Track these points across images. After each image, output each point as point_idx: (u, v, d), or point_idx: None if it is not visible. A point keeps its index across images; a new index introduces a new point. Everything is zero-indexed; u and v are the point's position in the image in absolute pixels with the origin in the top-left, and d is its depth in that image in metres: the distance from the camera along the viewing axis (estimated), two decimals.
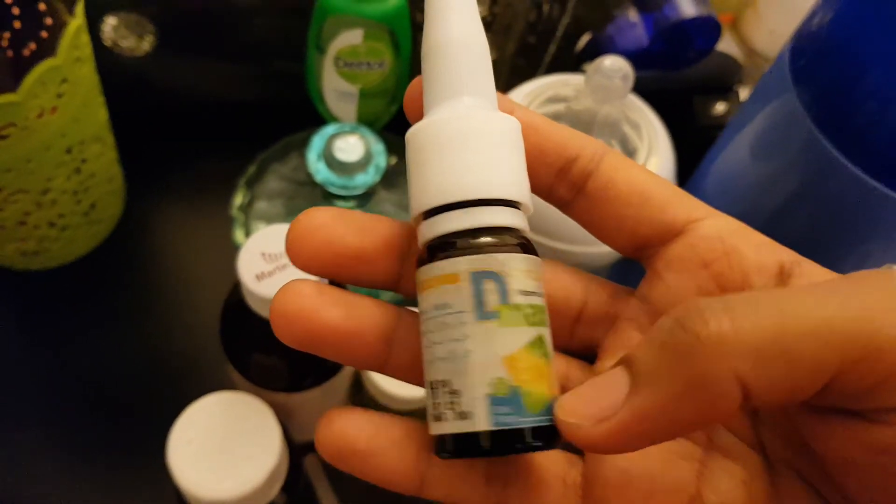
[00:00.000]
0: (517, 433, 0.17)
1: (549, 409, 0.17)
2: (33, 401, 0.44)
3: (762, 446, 0.19)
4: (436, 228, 0.18)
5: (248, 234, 0.46)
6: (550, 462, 0.19)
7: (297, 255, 0.19)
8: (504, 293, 0.17)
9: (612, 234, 0.20)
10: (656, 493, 0.19)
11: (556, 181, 0.20)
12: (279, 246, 0.33)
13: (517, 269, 0.17)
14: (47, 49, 0.36)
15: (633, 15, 0.48)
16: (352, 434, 0.19)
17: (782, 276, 0.18)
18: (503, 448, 0.17)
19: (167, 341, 0.46)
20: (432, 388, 0.18)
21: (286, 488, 0.36)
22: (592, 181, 0.20)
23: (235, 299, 0.36)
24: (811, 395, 0.15)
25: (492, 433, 0.17)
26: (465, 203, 0.18)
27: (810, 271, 0.18)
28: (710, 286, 0.19)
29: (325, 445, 0.19)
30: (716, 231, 0.19)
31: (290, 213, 0.46)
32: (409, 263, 0.19)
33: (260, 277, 0.33)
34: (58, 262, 0.47)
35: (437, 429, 0.18)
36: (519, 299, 0.17)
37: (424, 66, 0.19)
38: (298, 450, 0.38)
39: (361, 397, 0.43)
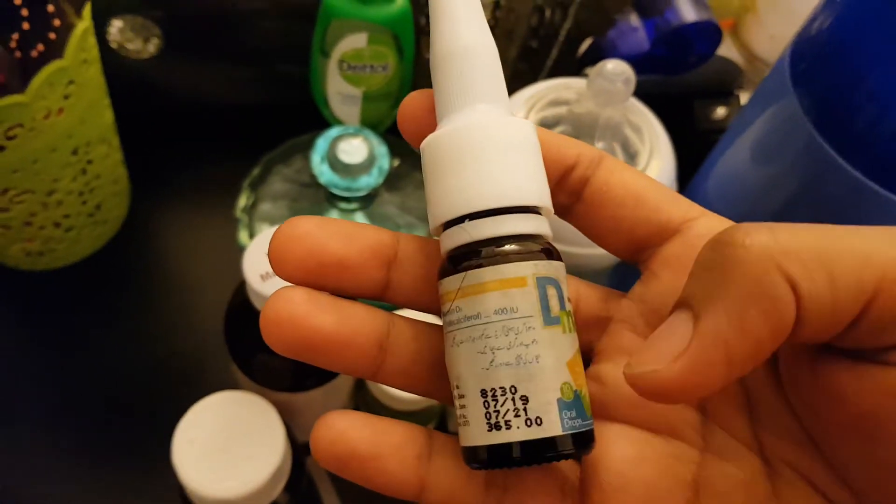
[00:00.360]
0: (586, 436, 0.17)
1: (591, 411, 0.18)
2: (39, 400, 0.44)
3: (760, 447, 0.19)
4: (464, 236, 0.18)
5: (252, 235, 0.46)
6: (548, 467, 0.19)
7: (281, 264, 0.18)
8: (561, 299, 0.18)
9: (609, 236, 0.20)
10: (654, 497, 0.19)
11: (556, 189, 0.20)
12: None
13: (564, 276, 0.18)
14: (55, 51, 0.36)
15: (634, 20, 0.48)
16: (352, 438, 0.19)
17: None
18: (581, 450, 0.17)
19: (172, 341, 0.46)
20: (491, 395, 0.17)
21: (289, 487, 0.36)
22: (589, 187, 0.20)
23: (240, 300, 0.37)
24: (850, 320, 0.15)
25: (564, 438, 0.17)
26: (500, 210, 0.18)
27: None
28: None
29: (323, 450, 0.19)
30: (710, 230, 0.19)
31: (293, 215, 0.47)
32: (396, 271, 0.19)
33: (265, 277, 0.33)
34: (63, 262, 0.48)
35: (497, 438, 0.17)
36: (569, 306, 0.18)
37: (435, 75, 0.19)
38: (302, 449, 0.38)
39: (364, 397, 0.43)
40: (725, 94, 0.51)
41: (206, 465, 0.33)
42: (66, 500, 0.41)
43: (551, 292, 0.18)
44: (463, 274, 0.18)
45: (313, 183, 0.44)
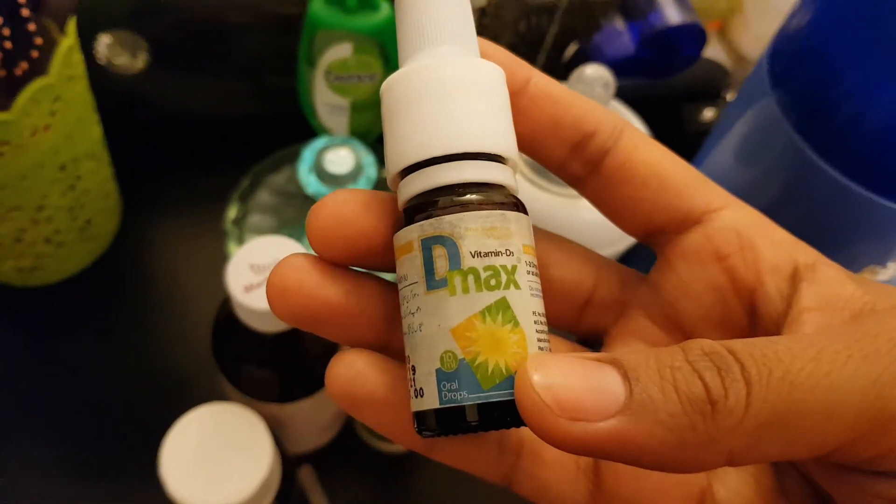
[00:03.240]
0: (463, 410, 0.15)
1: (510, 382, 0.15)
2: (28, 414, 0.45)
3: None
4: (403, 193, 0.17)
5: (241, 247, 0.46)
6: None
7: (322, 244, 0.17)
8: (454, 258, 0.16)
9: (625, 217, 0.19)
10: (667, 484, 0.18)
11: (571, 156, 0.19)
12: (267, 257, 0.33)
13: (471, 229, 0.16)
14: (39, 68, 0.36)
15: (619, 23, 0.48)
16: (369, 382, 0.18)
17: (795, 280, 0.18)
18: (453, 427, 0.16)
19: (163, 354, 0.47)
20: (406, 363, 0.17)
21: (279, 499, 0.36)
22: (609, 159, 0.19)
23: (227, 311, 0.37)
24: (806, 460, 0.15)
25: (438, 412, 0.16)
26: (432, 161, 0.16)
27: (824, 275, 0.18)
28: (721, 281, 0.19)
29: (339, 389, 0.18)
30: (733, 223, 0.19)
31: (282, 226, 0.47)
32: None
33: (248, 289, 0.33)
34: (55, 278, 0.48)
35: (412, 405, 0.17)
36: (473, 262, 0.16)
37: (398, 13, 0.17)
38: (292, 460, 0.38)
39: None
40: (713, 96, 0.51)
41: (193, 478, 0.33)
42: None
43: (438, 252, 0.16)
44: (394, 236, 0.17)
45: (301, 194, 0.44)
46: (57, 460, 0.43)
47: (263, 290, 0.33)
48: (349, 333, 0.18)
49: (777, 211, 0.34)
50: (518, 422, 0.15)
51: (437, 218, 0.16)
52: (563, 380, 0.14)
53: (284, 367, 0.37)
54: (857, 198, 0.30)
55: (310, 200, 0.44)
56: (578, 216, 0.38)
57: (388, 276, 0.19)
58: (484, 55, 0.18)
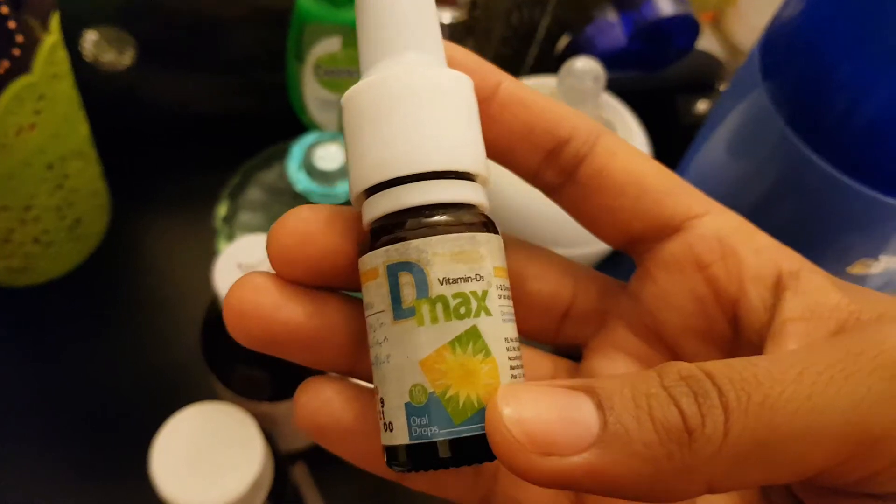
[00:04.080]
0: (435, 446, 0.15)
1: (482, 415, 0.15)
2: (18, 414, 0.44)
3: None
4: (368, 213, 0.16)
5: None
6: None
7: (281, 263, 0.17)
8: (422, 285, 0.15)
9: (602, 226, 0.19)
10: None
11: (544, 164, 0.18)
12: (255, 256, 0.33)
13: (438, 254, 0.15)
14: (21, 66, 0.36)
15: (611, 15, 0.48)
16: (336, 412, 0.17)
17: (778, 289, 0.17)
18: (424, 463, 0.15)
19: (154, 354, 0.46)
20: (374, 394, 0.16)
21: (272, 497, 0.36)
22: (584, 167, 0.18)
23: (217, 310, 0.36)
24: (787, 484, 0.14)
25: (408, 447, 0.15)
26: (397, 181, 0.15)
27: (808, 284, 0.17)
28: (703, 290, 0.18)
29: (304, 420, 0.17)
30: (715, 231, 0.18)
31: (271, 223, 0.46)
32: None
33: None
34: (44, 277, 0.48)
35: (382, 439, 0.16)
36: (441, 290, 0.15)
37: (358, 17, 0.16)
38: (284, 458, 0.38)
39: None
40: (706, 88, 0.51)
41: (184, 477, 0.33)
42: None
43: (405, 280, 0.15)
44: (359, 260, 0.16)
45: (290, 191, 0.44)
46: (47, 460, 0.43)
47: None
48: (314, 357, 0.17)
49: (769, 204, 0.34)
50: (491, 456, 0.15)
51: (404, 243, 0.15)
52: (533, 413, 0.14)
53: (275, 365, 0.37)
54: (848, 191, 0.30)
55: (300, 198, 0.44)
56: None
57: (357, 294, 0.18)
58: (451, 61, 0.17)
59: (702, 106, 0.50)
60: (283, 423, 0.39)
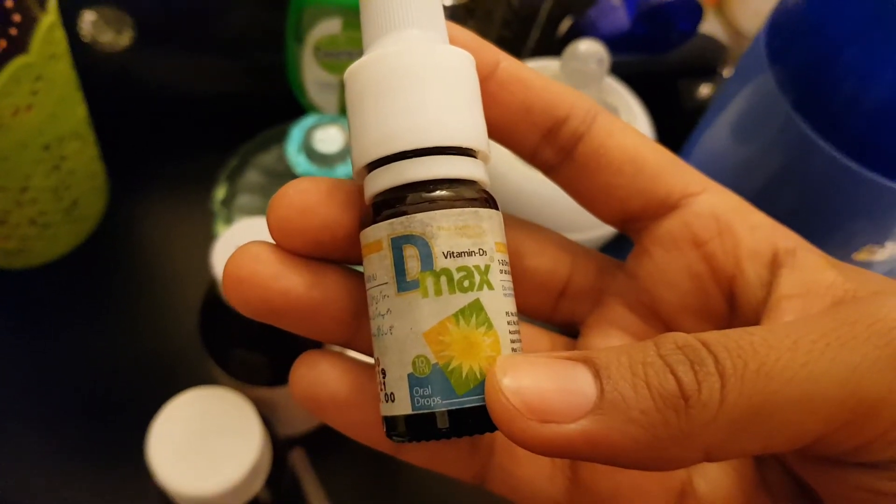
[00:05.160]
0: (435, 416, 0.15)
1: (483, 387, 0.15)
2: (15, 398, 0.44)
3: None
4: (371, 187, 0.16)
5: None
6: None
7: (282, 234, 0.17)
8: (426, 258, 0.15)
9: (599, 204, 0.19)
10: (645, 478, 0.18)
11: (543, 143, 0.19)
12: (255, 239, 0.33)
13: (443, 227, 0.15)
14: (18, 46, 0.35)
15: None
16: (331, 384, 0.17)
17: (775, 266, 0.18)
18: (425, 433, 0.15)
19: (151, 337, 0.46)
20: (375, 365, 0.16)
21: (270, 483, 0.36)
22: (582, 146, 0.18)
23: (215, 294, 0.36)
24: (786, 453, 0.15)
25: (410, 417, 0.15)
26: (401, 155, 0.16)
27: (804, 261, 0.17)
28: (700, 267, 0.18)
29: (300, 392, 0.17)
30: (711, 208, 0.18)
31: None
32: None
33: None
34: (41, 260, 0.47)
35: (381, 410, 0.16)
36: (446, 263, 0.15)
37: None
38: (282, 444, 0.38)
39: None
40: (709, 72, 0.50)
41: (181, 463, 0.32)
42: (39, 498, 0.41)
43: (409, 252, 0.15)
44: (361, 233, 0.16)
45: (290, 174, 0.44)
46: (44, 445, 0.43)
47: None
48: (313, 327, 0.17)
49: (774, 188, 0.34)
50: (493, 426, 0.15)
51: (408, 216, 0.15)
52: (532, 381, 0.14)
53: (273, 350, 0.37)
54: (855, 176, 0.29)
55: None
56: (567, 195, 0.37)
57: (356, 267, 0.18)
58: (451, 40, 0.17)
59: (705, 90, 0.50)
60: (282, 408, 0.38)
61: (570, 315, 0.20)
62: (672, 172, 0.18)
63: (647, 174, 0.18)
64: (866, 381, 0.14)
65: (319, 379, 0.17)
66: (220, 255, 0.32)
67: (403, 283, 0.15)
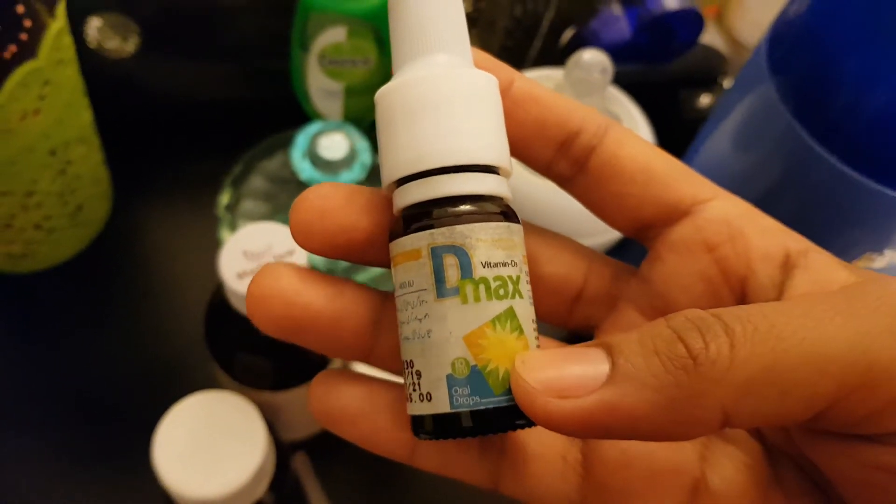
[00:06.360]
0: (477, 415, 0.16)
1: None
2: (19, 403, 0.44)
3: (761, 435, 0.19)
4: (404, 199, 0.17)
5: (234, 233, 0.46)
6: (549, 438, 0.19)
7: (305, 238, 0.18)
8: (466, 267, 0.16)
9: (613, 213, 0.19)
10: (658, 474, 0.18)
11: (557, 156, 0.19)
12: (261, 244, 0.33)
13: (481, 239, 0.16)
14: (28, 51, 0.36)
15: (616, 8, 0.48)
16: (344, 395, 0.18)
17: (787, 266, 0.18)
18: (464, 430, 0.16)
19: (155, 341, 0.46)
20: (405, 367, 0.17)
21: (274, 487, 0.36)
22: (595, 157, 0.19)
23: (220, 298, 0.36)
24: (801, 422, 0.15)
25: (448, 416, 0.16)
26: (433, 171, 0.17)
27: (816, 262, 0.18)
28: (712, 271, 0.19)
29: (316, 406, 0.18)
30: (722, 214, 0.19)
31: (276, 212, 0.46)
32: None
33: (242, 276, 0.33)
34: (45, 264, 0.47)
35: (409, 409, 0.17)
36: (484, 272, 0.16)
37: (392, 20, 0.18)
38: (286, 448, 0.38)
39: None
40: (709, 82, 0.51)
41: (187, 466, 0.33)
42: (43, 502, 0.41)
43: (449, 261, 0.16)
44: (391, 242, 0.17)
45: (294, 180, 0.44)
46: (49, 449, 0.43)
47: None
48: (333, 341, 0.18)
49: (775, 197, 0.34)
50: (528, 422, 0.16)
51: (449, 227, 0.16)
52: (549, 363, 0.15)
53: (278, 354, 0.37)
54: (855, 185, 0.30)
55: (303, 186, 0.44)
56: (575, 201, 0.38)
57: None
58: None
59: (705, 100, 0.50)
60: (286, 412, 0.39)
61: (585, 320, 0.20)
62: (683, 181, 0.19)
63: (658, 182, 0.19)
64: (877, 346, 0.14)
65: (338, 397, 0.18)
66: (227, 260, 0.33)
67: (443, 289, 0.16)
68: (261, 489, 0.35)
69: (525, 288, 0.17)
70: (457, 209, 0.17)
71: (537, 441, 0.19)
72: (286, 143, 0.48)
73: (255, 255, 0.33)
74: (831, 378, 0.14)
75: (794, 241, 0.18)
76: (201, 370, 0.41)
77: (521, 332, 0.16)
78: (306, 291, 0.18)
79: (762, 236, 0.18)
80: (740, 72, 0.37)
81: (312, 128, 0.44)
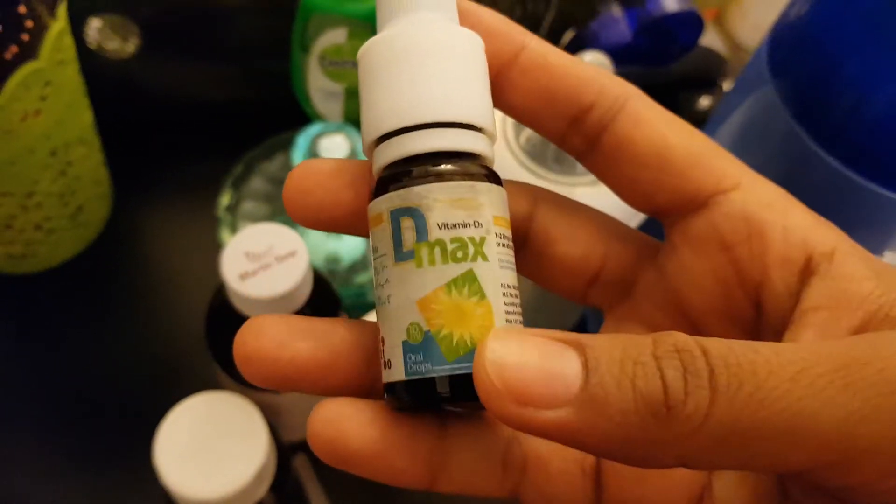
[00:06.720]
0: (427, 383, 0.15)
1: (473, 355, 0.15)
2: (20, 403, 0.44)
3: None
4: (378, 161, 0.17)
5: (234, 234, 0.46)
6: (570, 452, 0.18)
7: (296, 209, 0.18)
8: (422, 229, 0.16)
9: (627, 194, 0.18)
10: (670, 487, 0.18)
11: (569, 130, 0.18)
12: (262, 245, 0.33)
13: (438, 199, 0.16)
14: (29, 52, 0.36)
15: (616, 10, 0.48)
16: (354, 436, 0.16)
17: (806, 273, 0.17)
18: (418, 399, 0.16)
19: (155, 342, 0.46)
20: (380, 334, 0.17)
21: (275, 488, 0.36)
22: (607, 136, 0.18)
23: (221, 299, 0.36)
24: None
25: (405, 383, 0.16)
26: (399, 131, 0.16)
27: (839, 268, 0.16)
28: (727, 272, 0.18)
29: (321, 446, 0.17)
30: (742, 208, 0.17)
31: (276, 214, 0.47)
32: None
33: (244, 277, 0.33)
34: (45, 265, 0.47)
35: (382, 376, 0.17)
36: (440, 234, 0.16)
37: None
38: (287, 449, 0.38)
39: None
40: (709, 84, 0.51)
41: (188, 467, 0.33)
42: (45, 503, 0.41)
43: (406, 224, 0.16)
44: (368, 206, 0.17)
45: None
46: (50, 450, 0.43)
47: (258, 278, 0.33)
48: (329, 386, 0.18)
49: None
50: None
51: (406, 189, 0.16)
52: (516, 360, 0.14)
53: None
54: (855, 187, 0.30)
55: None
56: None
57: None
58: (478, 19, 0.17)
59: (704, 102, 0.50)
60: (287, 413, 0.39)
61: (599, 302, 0.20)
62: (703, 166, 0.17)
63: (674, 169, 0.17)
64: (861, 428, 0.13)
65: (349, 440, 0.17)
66: (229, 261, 0.33)
67: (400, 253, 0.16)
68: (262, 490, 0.35)
69: (493, 251, 0.16)
70: (420, 169, 0.16)
71: (560, 457, 0.18)
72: (286, 145, 0.48)
73: (256, 256, 0.33)
74: (806, 452, 0.13)
75: (820, 242, 0.17)
76: (202, 371, 0.41)
77: (483, 296, 0.15)
78: (290, 344, 0.17)
79: (783, 237, 0.17)
80: (740, 74, 0.37)
81: (313, 129, 0.44)
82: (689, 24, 0.46)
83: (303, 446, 0.43)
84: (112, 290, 0.48)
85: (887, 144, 0.28)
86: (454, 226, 0.16)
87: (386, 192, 0.16)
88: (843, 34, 0.29)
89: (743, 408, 0.13)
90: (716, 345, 0.14)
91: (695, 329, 0.19)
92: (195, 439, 0.33)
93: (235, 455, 0.33)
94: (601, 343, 0.14)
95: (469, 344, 0.15)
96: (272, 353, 0.17)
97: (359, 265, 0.45)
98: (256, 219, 0.46)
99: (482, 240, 0.16)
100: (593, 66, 0.18)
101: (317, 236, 0.46)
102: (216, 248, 0.46)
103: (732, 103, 0.36)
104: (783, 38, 0.32)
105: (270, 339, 0.17)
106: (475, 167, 0.16)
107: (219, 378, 0.39)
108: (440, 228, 0.16)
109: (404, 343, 0.16)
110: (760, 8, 0.54)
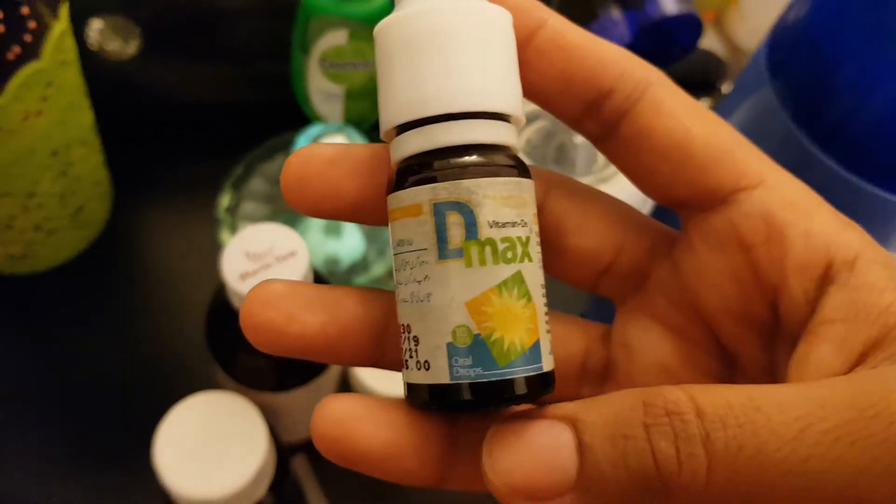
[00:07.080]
0: (479, 388, 0.15)
1: (524, 359, 0.15)
2: (20, 404, 0.44)
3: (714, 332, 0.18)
4: (403, 149, 0.16)
5: (234, 235, 0.46)
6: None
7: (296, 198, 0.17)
8: (471, 227, 0.15)
9: (644, 185, 0.18)
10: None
11: (585, 115, 0.17)
12: (263, 245, 0.33)
13: (489, 196, 0.15)
14: (31, 53, 0.36)
15: (615, 13, 0.48)
16: (365, 438, 0.16)
17: (825, 281, 0.16)
18: (464, 403, 0.15)
19: (155, 342, 0.46)
20: (401, 331, 0.16)
21: (274, 488, 0.36)
22: (626, 124, 0.17)
23: (221, 299, 0.36)
24: None
25: (448, 387, 0.15)
26: (435, 118, 0.15)
27: (860, 276, 0.16)
28: (745, 274, 0.17)
29: (328, 446, 0.16)
30: (763, 208, 0.16)
31: (276, 214, 0.47)
32: None
33: (244, 277, 0.33)
34: (45, 265, 0.48)
35: (405, 376, 0.16)
36: (490, 233, 0.15)
37: None
38: (286, 449, 0.38)
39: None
40: (708, 87, 0.51)
41: (188, 466, 0.33)
42: (44, 502, 0.41)
43: (453, 219, 0.15)
44: (389, 196, 0.16)
45: None
46: (50, 449, 0.43)
47: (259, 278, 0.33)
48: (336, 358, 0.17)
49: None
50: (533, 397, 0.15)
51: (454, 182, 0.15)
52: (515, 463, 0.14)
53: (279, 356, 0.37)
54: (854, 188, 0.30)
55: None
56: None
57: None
58: None
59: (704, 104, 0.51)
60: (286, 413, 0.39)
61: (610, 294, 0.19)
62: (725, 161, 0.17)
63: (695, 163, 0.17)
64: (868, 488, 0.13)
65: (357, 442, 0.16)
66: (229, 261, 0.33)
67: (445, 250, 0.15)
68: (261, 490, 0.35)
69: (535, 250, 0.15)
70: (462, 161, 0.15)
71: None
72: (287, 146, 0.48)
73: (257, 257, 0.33)
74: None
75: (843, 247, 0.16)
76: (202, 371, 0.41)
77: (530, 298, 0.15)
78: (298, 318, 0.16)
79: (804, 241, 0.16)
80: (739, 76, 0.37)
81: (313, 130, 0.44)
82: (689, 26, 0.46)
83: (302, 447, 0.43)
84: (112, 290, 0.48)
85: (886, 146, 0.29)
86: (504, 224, 0.15)
87: (423, 182, 0.15)
88: (842, 37, 0.29)
89: (744, 471, 0.13)
90: (712, 402, 0.13)
91: (708, 328, 0.18)
92: (195, 439, 0.33)
93: (235, 455, 0.33)
94: (593, 417, 0.14)
95: (519, 348, 0.15)
96: (279, 326, 0.16)
97: (358, 266, 0.45)
98: (256, 219, 0.46)
99: (527, 239, 0.15)
100: (615, 46, 0.17)
101: (316, 237, 0.46)
102: (216, 248, 0.46)
103: (731, 105, 0.36)
104: (782, 41, 0.32)
105: (278, 311, 0.16)
106: (511, 159, 0.15)
107: (219, 378, 0.39)
108: (490, 227, 0.15)
109: (449, 346, 0.15)
110: (759, 10, 0.54)
